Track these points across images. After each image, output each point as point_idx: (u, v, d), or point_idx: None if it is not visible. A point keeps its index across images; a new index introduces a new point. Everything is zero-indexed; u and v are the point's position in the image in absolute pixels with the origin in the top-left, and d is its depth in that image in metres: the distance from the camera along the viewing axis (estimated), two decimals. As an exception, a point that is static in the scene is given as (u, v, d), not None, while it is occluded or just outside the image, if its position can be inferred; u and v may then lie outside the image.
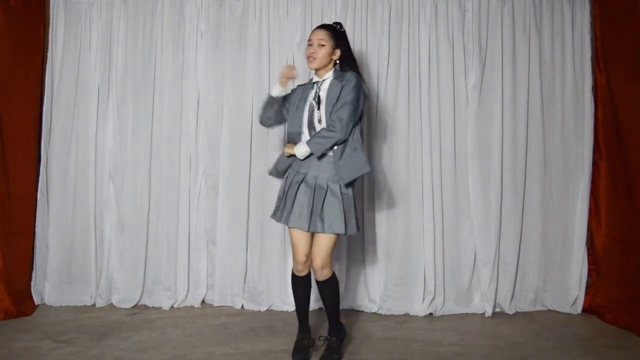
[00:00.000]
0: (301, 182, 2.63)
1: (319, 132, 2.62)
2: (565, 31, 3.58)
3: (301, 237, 2.65)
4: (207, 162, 3.59)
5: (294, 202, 2.61)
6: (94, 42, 3.57)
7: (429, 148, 3.51)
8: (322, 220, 2.57)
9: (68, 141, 3.57)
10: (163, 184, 3.57)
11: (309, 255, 2.65)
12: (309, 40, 2.73)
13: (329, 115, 2.61)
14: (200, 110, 3.58)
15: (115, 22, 3.56)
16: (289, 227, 2.68)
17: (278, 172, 2.79)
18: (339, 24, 2.79)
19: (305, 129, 2.67)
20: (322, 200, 2.58)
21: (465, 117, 3.55)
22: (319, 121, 2.65)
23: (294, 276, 2.74)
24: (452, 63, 3.52)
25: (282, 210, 2.68)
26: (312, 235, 2.66)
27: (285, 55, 3.52)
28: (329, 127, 2.59)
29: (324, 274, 2.66)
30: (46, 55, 3.57)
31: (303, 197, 2.61)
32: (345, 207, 2.59)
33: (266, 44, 3.54)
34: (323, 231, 2.58)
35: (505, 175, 3.54)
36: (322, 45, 2.65)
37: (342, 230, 2.57)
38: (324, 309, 2.82)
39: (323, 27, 2.74)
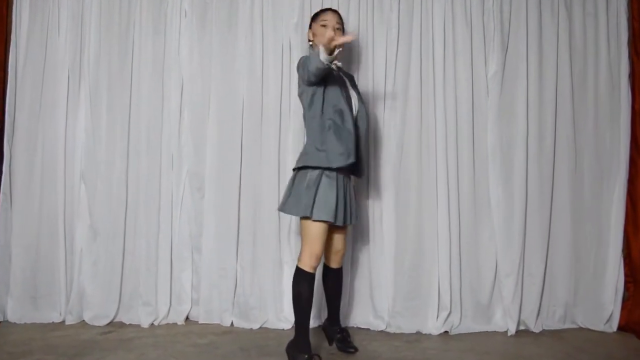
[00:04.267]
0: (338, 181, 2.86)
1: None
2: (598, 11, 3.55)
3: (326, 231, 2.82)
4: (192, 160, 3.56)
5: (344, 201, 2.87)
6: (63, 22, 3.54)
7: (443, 144, 3.47)
8: (352, 212, 2.94)
9: (34, 136, 3.53)
10: (142, 185, 3.53)
11: (322, 250, 2.85)
12: (324, 20, 2.94)
13: (362, 103, 2.94)
14: (184, 100, 3.55)
15: (88, 0, 3.53)
16: (332, 223, 2.82)
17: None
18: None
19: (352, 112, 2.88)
20: (351, 195, 2.95)
21: (485, 109, 3.52)
22: (362, 108, 2.94)
23: (306, 275, 2.77)
24: (470, 47, 3.49)
25: (337, 212, 2.82)
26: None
27: (281, 38, 3.52)
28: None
29: (342, 261, 3.09)
30: (9, 38, 3.53)
31: (343, 194, 2.87)
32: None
33: (259, 25, 3.50)
34: (354, 222, 2.96)
35: (530, 175, 3.51)
36: (339, 29, 2.94)
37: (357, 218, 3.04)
38: (332, 301, 3.12)
39: (335, 10, 3.01)
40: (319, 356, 2.83)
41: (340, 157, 2.72)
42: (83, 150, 3.51)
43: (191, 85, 3.51)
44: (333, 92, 2.79)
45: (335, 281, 3.08)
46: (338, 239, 3.00)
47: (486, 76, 3.49)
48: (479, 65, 3.48)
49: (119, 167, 3.50)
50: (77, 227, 3.51)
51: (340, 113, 2.77)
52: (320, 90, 2.76)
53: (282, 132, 3.46)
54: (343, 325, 3.24)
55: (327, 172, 2.76)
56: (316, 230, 2.76)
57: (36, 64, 3.50)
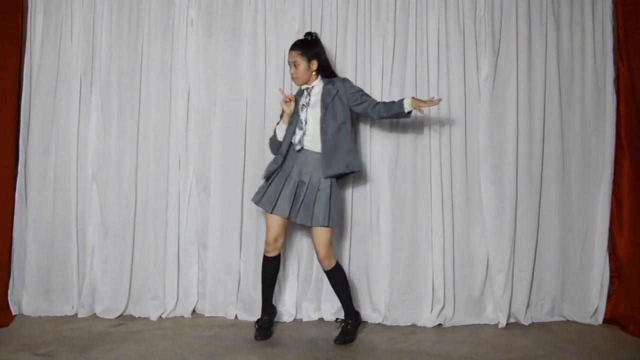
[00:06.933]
0: (287, 175, 3.20)
1: (384, 104, 3.23)
2: (585, 19, 3.62)
3: (277, 223, 3.21)
4: (198, 161, 3.63)
5: (281, 192, 3.17)
6: (75, 30, 3.61)
7: (437, 145, 3.56)
8: (312, 213, 3.13)
9: (48, 138, 3.60)
10: (150, 185, 3.61)
11: (278, 239, 3.23)
12: (288, 61, 3.28)
13: (323, 115, 3.18)
14: (191, 104, 3.62)
15: (99, 9, 3.60)
16: (272, 214, 3.19)
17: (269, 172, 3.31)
18: (310, 34, 3.32)
19: (297, 129, 3.22)
20: (313, 195, 3.15)
21: (477, 112, 3.59)
22: (306, 122, 3.21)
23: (264, 257, 3.28)
24: (462, 53, 3.57)
25: (266, 197, 3.20)
26: (286, 224, 3.25)
27: (283, 45, 3.55)
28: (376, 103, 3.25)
29: (328, 264, 3.22)
30: (24, 45, 3.59)
31: (290, 189, 3.17)
32: (332, 200, 3.16)
33: (262, 33, 3.59)
34: (310, 224, 3.16)
35: (520, 175, 3.58)
36: (297, 65, 3.22)
37: (325, 223, 3.13)
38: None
39: (294, 46, 3.26)
40: (266, 318, 3.31)
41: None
42: (94, 152, 3.57)
43: (197, 90, 3.58)
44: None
45: (330, 281, 3.29)
46: (314, 241, 3.21)
47: (478, 81, 3.55)
48: (471, 70, 3.54)
49: (128, 167, 3.56)
50: (89, 224, 3.59)
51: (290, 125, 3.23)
52: None
53: (284, 134, 3.51)
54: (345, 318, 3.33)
55: (280, 170, 3.21)
56: (267, 220, 3.24)
57: (50, 69, 3.55)
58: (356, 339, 3.27)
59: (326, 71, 3.31)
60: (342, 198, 3.42)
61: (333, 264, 3.24)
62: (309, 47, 3.25)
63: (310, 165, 3.19)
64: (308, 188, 3.16)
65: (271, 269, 3.28)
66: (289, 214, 3.15)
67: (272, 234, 3.22)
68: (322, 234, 3.17)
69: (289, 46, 3.42)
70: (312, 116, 3.21)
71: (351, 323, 3.28)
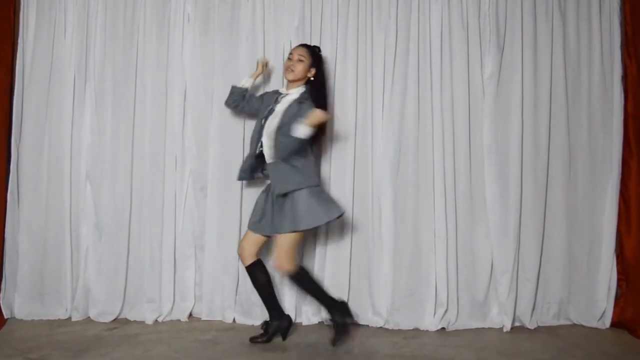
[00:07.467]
0: (265, 192, 3.27)
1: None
2: (591, 15, 3.61)
3: (250, 236, 3.27)
4: (195, 160, 3.62)
5: (262, 210, 3.23)
6: (69, 26, 3.59)
7: (440, 144, 3.54)
8: (273, 223, 3.14)
9: (41, 136, 3.58)
10: (146, 185, 3.59)
11: (246, 249, 3.24)
12: (290, 54, 3.26)
13: (279, 127, 3.10)
14: (187, 102, 3.61)
15: (93, 4, 3.58)
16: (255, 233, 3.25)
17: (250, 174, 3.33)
18: (318, 47, 3.33)
19: (257, 134, 3.23)
20: (281, 206, 3.12)
21: (481, 110, 3.58)
22: (264, 130, 3.18)
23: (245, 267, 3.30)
24: (466, 50, 3.55)
25: (252, 217, 3.27)
26: (260, 240, 3.26)
27: (282, 41, 3.56)
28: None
29: (287, 272, 3.17)
30: (17, 42, 3.58)
31: (268, 206, 3.19)
32: (296, 208, 3.08)
33: (260, 29, 3.57)
34: (274, 232, 3.16)
35: (525, 175, 3.56)
36: (301, 61, 3.21)
37: (289, 229, 3.09)
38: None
39: (306, 45, 3.29)
40: (268, 323, 3.26)
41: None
42: (88, 150, 3.56)
43: (194, 87, 3.57)
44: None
45: (298, 288, 3.32)
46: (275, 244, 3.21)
47: (482, 78, 3.55)
48: (475, 67, 3.53)
49: (123, 166, 3.54)
50: (82, 225, 3.57)
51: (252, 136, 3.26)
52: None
53: (283, 133, 3.54)
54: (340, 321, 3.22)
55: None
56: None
57: (43, 66, 3.54)
58: (351, 328, 3.24)
59: (314, 92, 3.20)
60: (317, 197, 3.13)
61: (293, 270, 3.16)
62: (319, 57, 3.27)
63: (271, 178, 3.21)
64: (275, 200, 3.14)
65: (257, 275, 3.24)
66: (269, 231, 3.17)
67: (241, 243, 3.29)
68: (280, 239, 3.12)
69: (288, 42, 3.42)
70: (268, 126, 3.17)
71: (339, 315, 3.18)
